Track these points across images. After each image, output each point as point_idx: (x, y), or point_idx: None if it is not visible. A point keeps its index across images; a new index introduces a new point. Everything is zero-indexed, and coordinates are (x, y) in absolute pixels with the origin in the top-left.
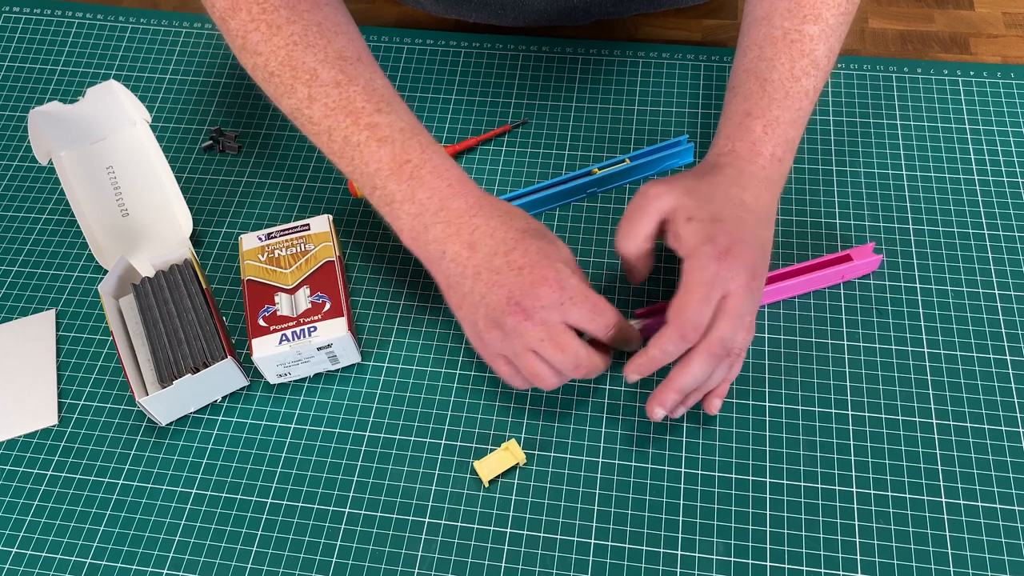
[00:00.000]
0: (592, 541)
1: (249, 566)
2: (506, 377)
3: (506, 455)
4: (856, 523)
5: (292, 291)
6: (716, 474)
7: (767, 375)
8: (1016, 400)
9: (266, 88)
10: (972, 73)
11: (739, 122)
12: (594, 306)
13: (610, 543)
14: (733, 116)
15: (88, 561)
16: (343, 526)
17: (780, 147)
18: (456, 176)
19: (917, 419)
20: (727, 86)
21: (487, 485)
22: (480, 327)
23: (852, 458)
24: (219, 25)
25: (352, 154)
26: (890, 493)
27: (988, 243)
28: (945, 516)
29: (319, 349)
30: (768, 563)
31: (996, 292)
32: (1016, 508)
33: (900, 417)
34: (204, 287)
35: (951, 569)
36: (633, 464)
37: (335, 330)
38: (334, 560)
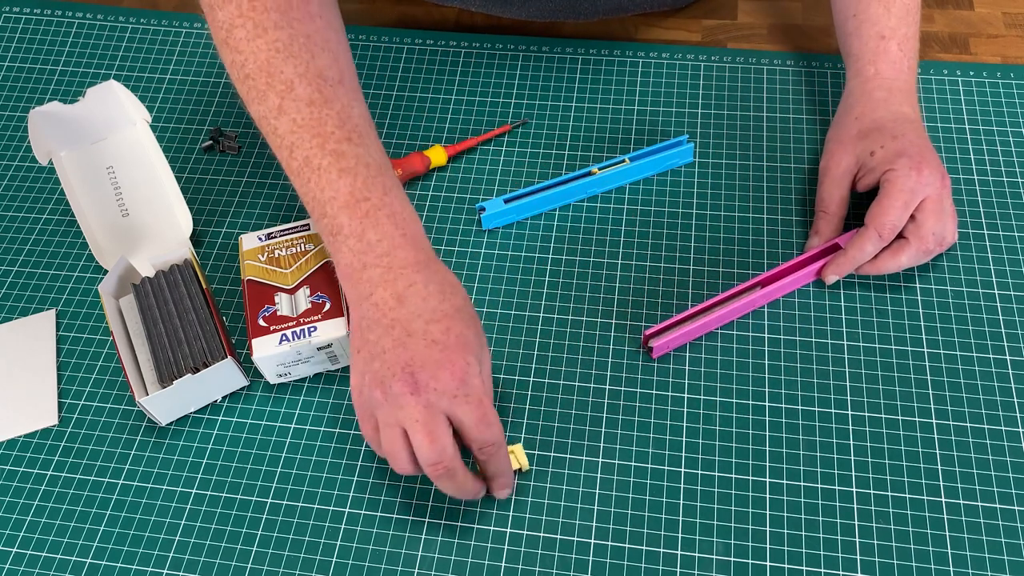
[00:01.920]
0: (592, 541)
1: (249, 566)
2: (367, 436)
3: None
4: (856, 523)
5: (292, 291)
6: (716, 474)
7: (767, 375)
8: (1016, 400)
9: (239, 88)
10: (972, 73)
11: (875, 46)
12: (485, 415)
13: (610, 543)
14: (868, 40)
15: (88, 561)
16: (343, 526)
17: (912, 59)
18: (412, 229)
19: (917, 419)
20: (841, 16)
21: None
22: (366, 380)
23: (852, 458)
24: (206, 13)
25: (310, 176)
26: (890, 493)
27: (988, 243)
28: (945, 516)
29: (319, 349)
30: (768, 563)
31: (996, 292)
32: (1016, 508)
33: (900, 417)
34: (204, 287)
35: (951, 569)
36: (633, 464)
37: (335, 330)
38: (334, 560)
